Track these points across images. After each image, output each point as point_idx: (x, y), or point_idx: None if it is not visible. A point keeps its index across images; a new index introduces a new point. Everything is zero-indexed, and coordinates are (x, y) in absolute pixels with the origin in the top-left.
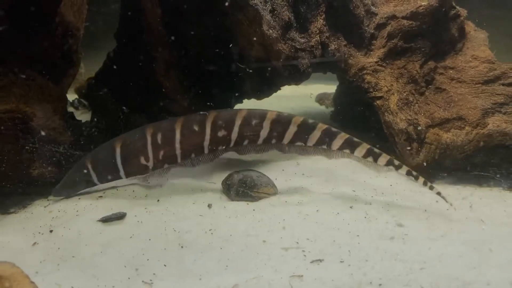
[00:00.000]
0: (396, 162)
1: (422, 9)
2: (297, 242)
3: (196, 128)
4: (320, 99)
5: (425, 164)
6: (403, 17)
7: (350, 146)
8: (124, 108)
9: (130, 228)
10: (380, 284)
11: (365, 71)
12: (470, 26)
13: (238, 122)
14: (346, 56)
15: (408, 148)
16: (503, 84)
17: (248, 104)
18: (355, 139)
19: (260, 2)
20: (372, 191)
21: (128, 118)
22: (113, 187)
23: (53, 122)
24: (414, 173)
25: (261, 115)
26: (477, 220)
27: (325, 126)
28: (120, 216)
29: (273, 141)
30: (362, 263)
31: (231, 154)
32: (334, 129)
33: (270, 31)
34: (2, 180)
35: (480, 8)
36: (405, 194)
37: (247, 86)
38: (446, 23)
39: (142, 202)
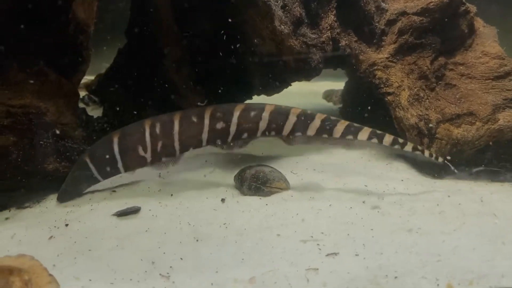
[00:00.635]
0: (401, 140)
1: (433, 5)
2: (312, 236)
3: (195, 120)
4: (328, 95)
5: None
6: (413, 13)
7: (351, 131)
8: (135, 104)
9: (145, 222)
10: (396, 277)
11: (376, 67)
12: (479, 22)
13: (237, 114)
14: (357, 52)
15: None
16: None
17: (257, 100)
18: (356, 124)
19: None
20: (384, 186)
21: (140, 114)
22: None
23: (65, 117)
24: (420, 147)
25: (260, 107)
26: (489, 214)
27: (324, 115)
28: (134, 210)
29: (273, 133)
30: (377, 256)
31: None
32: (333, 118)
33: (282, 26)
34: (18, 174)
35: (487, 4)
36: (416, 188)
37: (258, 82)
38: (456, 19)
39: (156, 196)
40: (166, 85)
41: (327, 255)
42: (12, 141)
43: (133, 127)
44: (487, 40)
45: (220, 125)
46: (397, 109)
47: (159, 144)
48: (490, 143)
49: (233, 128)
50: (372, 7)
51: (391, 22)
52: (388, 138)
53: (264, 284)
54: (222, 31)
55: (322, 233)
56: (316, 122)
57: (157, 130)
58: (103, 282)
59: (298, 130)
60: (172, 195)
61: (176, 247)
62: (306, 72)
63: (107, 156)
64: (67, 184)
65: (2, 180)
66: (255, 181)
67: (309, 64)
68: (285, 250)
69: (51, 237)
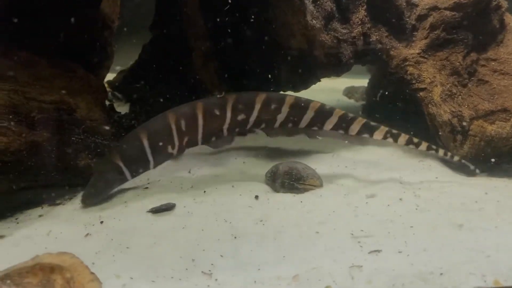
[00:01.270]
0: (415, 140)
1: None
2: (352, 234)
3: (217, 112)
4: (349, 92)
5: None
6: (445, 8)
7: (368, 130)
8: (162, 100)
9: (181, 219)
10: (441, 274)
11: (407, 63)
12: (509, 18)
13: (258, 106)
14: (387, 47)
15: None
16: None
17: None
18: (372, 123)
19: None
20: (419, 183)
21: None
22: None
23: (94, 113)
24: (434, 146)
25: (281, 98)
26: None
27: (342, 112)
28: (169, 207)
29: (290, 125)
30: (420, 252)
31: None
32: (351, 115)
33: (314, 21)
34: (51, 171)
35: None
36: (452, 186)
37: (286, 78)
38: (487, 14)
39: (189, 193)
40: (192, 81)
41: (370, 252)
42: (46, 137)
43: (158, 124)
44: None
45: (241, 116)
46: (429, 106)
47: (185, 139)
48: None
49: (252, 119)
50: (402, 2)
51: (422, 17)
52: (403, 138)
53: (309, 282)
54: (250, 26)
55: (362, 230)
56: (334, 118)
57: (183, 125)
58: (144, 280)
59: (315, 125)
60: (205, 191)
61: (215, 244)
62: (337, 67)
63: (139, 156)
64: (94, 187)
65: (35, 177)
66: (289, 178)
67: (340, 59)
68: (326, 247)
69: (87, 234)
